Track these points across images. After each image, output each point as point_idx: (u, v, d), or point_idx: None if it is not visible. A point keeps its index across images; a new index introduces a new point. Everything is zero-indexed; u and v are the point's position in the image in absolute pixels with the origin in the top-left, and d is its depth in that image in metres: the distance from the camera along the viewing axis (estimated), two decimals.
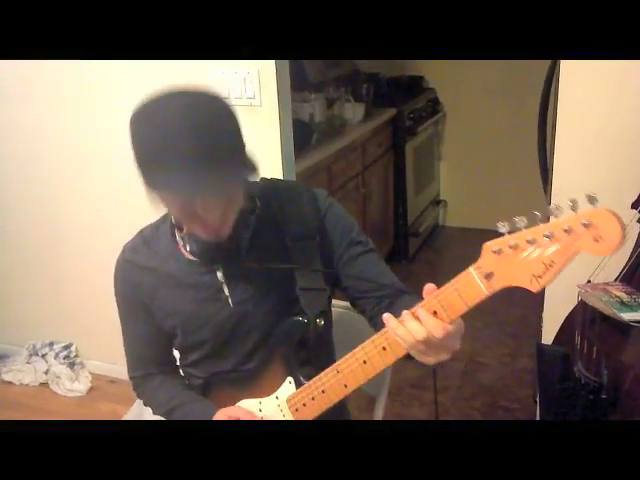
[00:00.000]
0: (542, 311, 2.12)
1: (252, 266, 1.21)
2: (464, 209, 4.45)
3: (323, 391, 1.14)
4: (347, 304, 1.36)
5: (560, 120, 1.93)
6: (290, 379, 1.21)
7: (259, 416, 1.25)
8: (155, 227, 1.33)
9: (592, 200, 0.81)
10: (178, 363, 1.42)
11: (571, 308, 1.75)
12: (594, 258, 1.66)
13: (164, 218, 1.32)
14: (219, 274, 1.25)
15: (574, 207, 0.82)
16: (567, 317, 1.77)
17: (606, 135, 1.89)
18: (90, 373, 2.91)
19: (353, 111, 3.55)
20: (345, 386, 1.11)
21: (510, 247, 0.88)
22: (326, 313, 1.23)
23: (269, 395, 1.24)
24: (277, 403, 1.22)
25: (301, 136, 2.65)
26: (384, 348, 1.04)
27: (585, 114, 1.90)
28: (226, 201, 1.11)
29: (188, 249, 1.24)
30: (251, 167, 1.11)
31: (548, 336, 2.01)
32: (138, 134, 1.06)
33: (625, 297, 1.48)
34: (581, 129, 1.92)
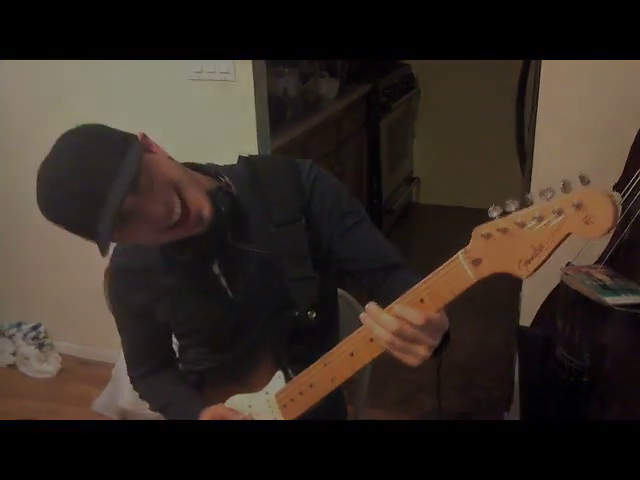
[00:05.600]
0: (520, 292, 2.12)
1: (240, 255, 1.15)
2: (437, 186, 4.45)
3: (311, 385, 1.10)
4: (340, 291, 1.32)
5: (541, 101, 1.91)
6: (280, 374, 1.17)
7: (248, 412, 1.20)
8: None
9: (584, 180, 0.76)
10: (177, 356, 1.38)
11: (550, 290, 1.75)
12: (575, 241, 1.66)
13: None
14: (215, 267, 1.18)
15: (566, 188, 0.78)
16: (546, 299, 1.76)
17: (588, 116, 1.88)
18: (60, 354, 2.84)
19: (328, 86, 3.49)
20: (332, 380, 1.07)
21: (499, 230, 0.83)
22: (318, 305, 1.16)
23: (261, 390, 1.20)
24: (266, 399, 1.18)
25: (275, 111, 2.59)
26: (371, 339, 0.99)
27: (567, 95, 1.88)
28: (168, 188, 1.03)
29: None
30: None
31: (526, 317, 2.01)
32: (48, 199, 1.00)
33: (607, 280, 1.48)
34: (562, 110, 1.90)
